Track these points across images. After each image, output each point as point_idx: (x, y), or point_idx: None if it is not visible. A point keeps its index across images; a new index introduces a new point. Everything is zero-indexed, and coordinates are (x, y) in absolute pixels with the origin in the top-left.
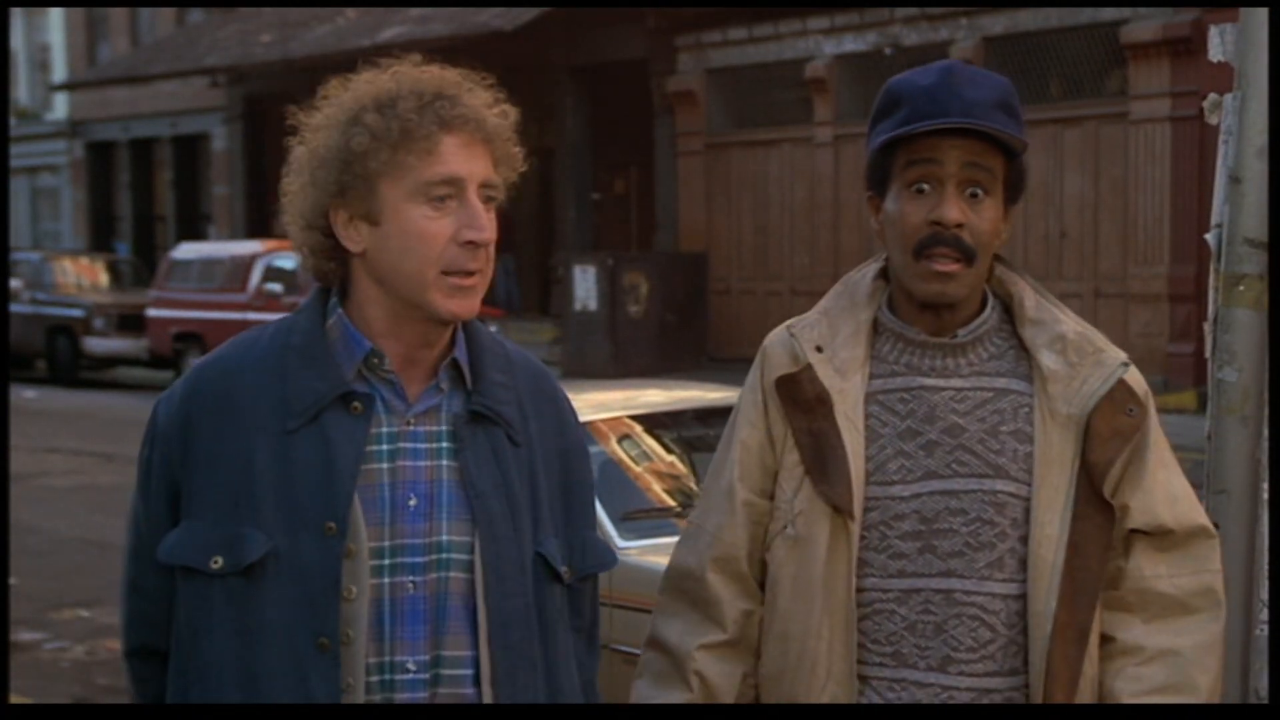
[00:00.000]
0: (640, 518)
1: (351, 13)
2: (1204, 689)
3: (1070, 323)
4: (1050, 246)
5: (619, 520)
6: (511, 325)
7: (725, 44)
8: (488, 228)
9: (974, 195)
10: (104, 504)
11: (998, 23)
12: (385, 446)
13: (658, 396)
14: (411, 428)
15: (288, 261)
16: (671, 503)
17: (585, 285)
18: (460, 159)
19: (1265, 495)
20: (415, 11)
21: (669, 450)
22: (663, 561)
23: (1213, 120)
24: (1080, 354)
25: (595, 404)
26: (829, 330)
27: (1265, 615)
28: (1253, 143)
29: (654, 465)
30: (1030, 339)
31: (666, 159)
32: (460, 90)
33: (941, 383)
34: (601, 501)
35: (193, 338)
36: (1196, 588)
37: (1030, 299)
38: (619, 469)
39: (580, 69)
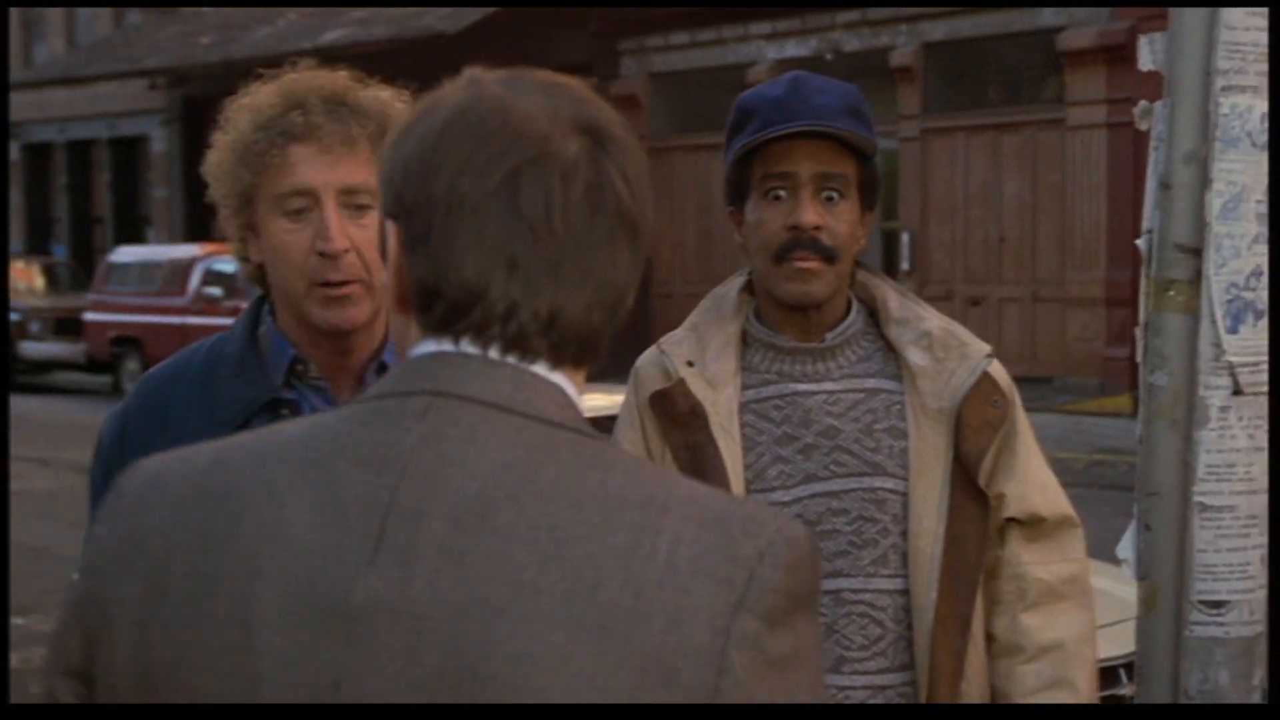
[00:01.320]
0: None
1: (292, 15)
2: (1082, 686)
3: (934, 320)
4: (990, 251)
5: None
6: None
7: (668, 48)
8: (337, 238)
9: (830, 199)
10: (40, 510)
11: (937, 29)
12: None
13: (600, 400)
14: None
15: (227, 265)
16: None
17: None
18: (309, 168)
19: (1196, 498)
20: (357, 14)
21: None
22: None
23: (1143, 127)
24: (946, 349)
25: None
26: (698, 344)
27: (1195, 617)
28: (1181, 149)
29: None
30: (896, 338)
31: None
32: (330, 94)
33: (814, 387)
34: None
35: (131, 342)
36: (1067, 575)
37: (894, 299)
38: None
39: None
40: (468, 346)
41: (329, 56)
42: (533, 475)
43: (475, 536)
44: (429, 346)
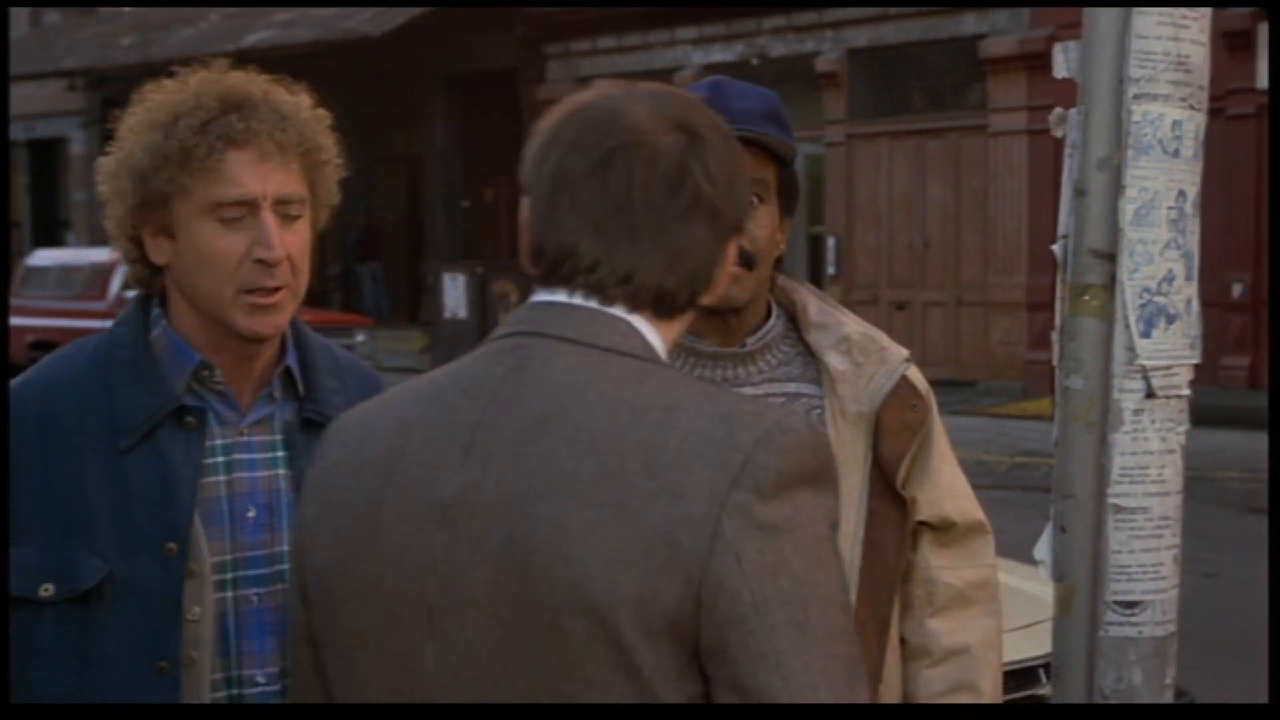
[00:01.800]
0: None
1: (215, 16)
2: (986, 690)
3: (853, 325)
4: (914, 256)
5: None
6: (381, 333)
7: (594, 53)
8: (278, 246)
9: (750, 204)
10: None
11: (862, 35)
12: (221, 459)
13: None
14: (245, 438)
15: None
16: None
17: (455, 293)
18: (249, 176)
19: (1111, 500)
20: (281, 16)
21: None
22: None
23: (1058, 134)
24: (865, 353)
25: None
26: None
27: (1110, 617)
28: (1095, 155)
29: None
30: (816, 343)
31: None
32: (264, 99)
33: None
34: None
35: (50, 346)
36: (976, 580)
37: (813, 304)
38: None
39: (450, 76)
40: (560, 295)
41: (252, 59)
42: (583, 391)
43: (534, 442)
44: (538, 296)
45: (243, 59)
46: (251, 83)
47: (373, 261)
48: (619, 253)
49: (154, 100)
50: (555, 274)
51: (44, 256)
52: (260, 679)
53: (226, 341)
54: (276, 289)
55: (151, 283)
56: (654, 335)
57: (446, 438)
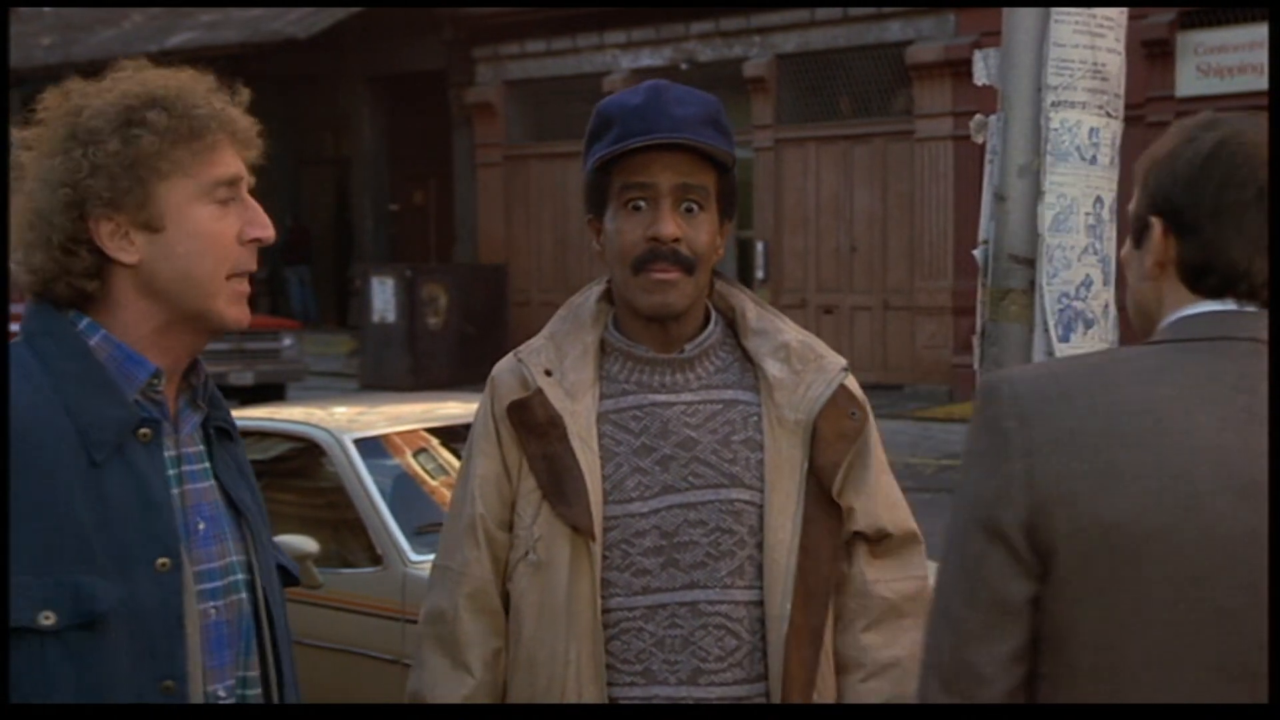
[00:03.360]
0: (434, 531)
1: (138, 16)
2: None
3: (792, 332)
4: (841, 260)
5: (413, 534)
6: (308, 337)
7: (523, 56)
8: (270, 224)
9: (689, 210)
10: None
11: (789, 40)
12: (172, 471)
13: (456, 409)
14: (185, 450)
15: None
16: None
17: (383, 297)
18: (233, 157)
19: None
20: (206, 17)
21: None
22: None
23: (979, 140)
24: (803, 361)
25: (392, 417)
26: (556, 354)
27: None
28: (1015, 162)
29: (450, 479)
30: (754, 349)
31: (465, 170)
32: (212, 91)
33: (672, 398)
34: (395, 515)
35: None
36: (909, 592)
37: (752, 311)
38: (414, 482)
39: (377, 79)
40: (1242, 305)
41: (176, 60)
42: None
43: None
44: (1212, 305)
45: (167, 60)
46: (187, 76)
47: (300, 265)
48: (1263, 261)
49: (109, 95)
50: (1230, 289)
51: None
52: (221, 692)
53: (180, 345)
54: (253, 275)
55: (72, 296)
56: None
57: (1238, 424)
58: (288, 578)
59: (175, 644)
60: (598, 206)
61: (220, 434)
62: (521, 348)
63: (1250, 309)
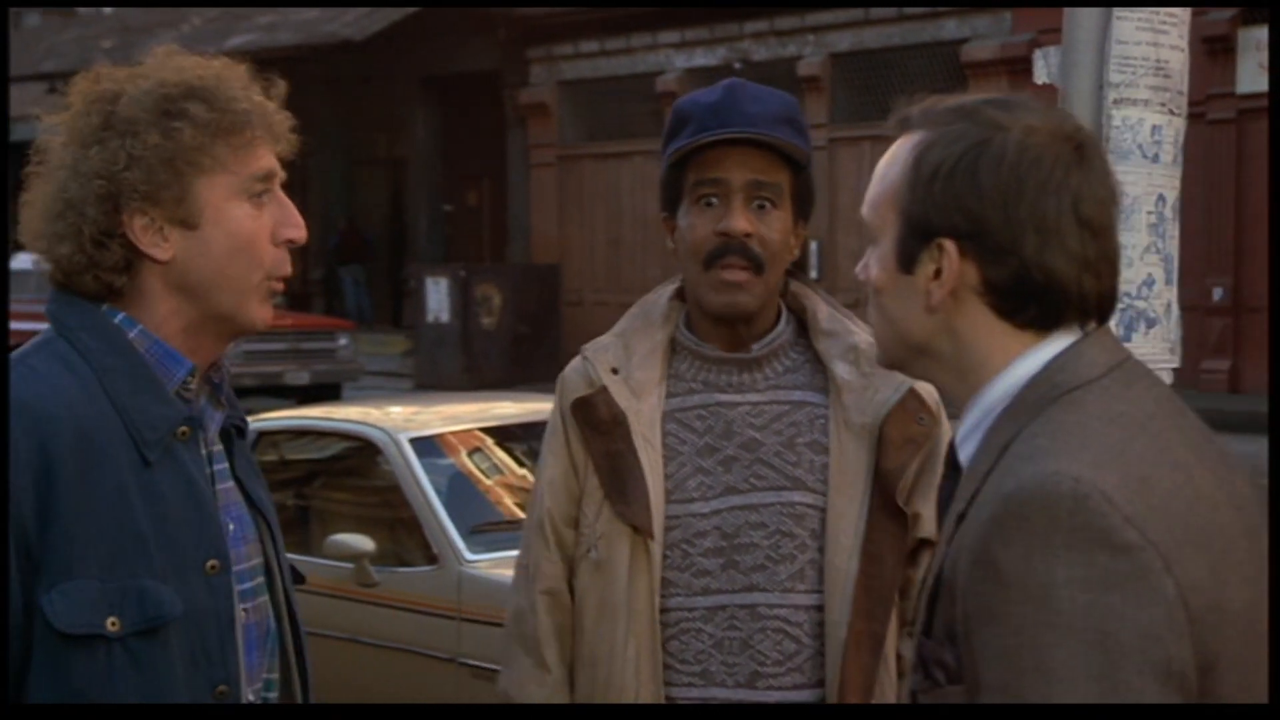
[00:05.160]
0: (489, 530)
1: (196, 19)
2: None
3: (863, 334)
4: None
5: (468, 533)
6: (363, 337)
7: (577, 56)
8: (304, 224)
9: (761, 207)
10: None
11: (844, 39)
12: (206, 471)
13: (510, 409)
14: (214, 449)
15: None
16: (522, 515)
17: (437, 297)
18: (268, 153)
19: None
20: (263, 19)
21: (520, 463)
22: (511, 574)
23: None
24: (872, 364)
25: (447, 416)
26: (624, 352)
27: None
28: None
29: (505, 478)
30: (824, 351)
31: (519, 170)
32: (242, 82)
33: (738, 398)
34: (450, 514)
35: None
36: None
37: (824, 312)
38: (468, 482)
39: (432, 80)
40: (1080, 331)
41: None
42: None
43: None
44: (1067, 339)
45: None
46: (221, 65)
47: (354, 265)
48: (1103, 279)
49: (146, 85)
50: (1056, 316)
51: (25, 260)
52: (250, 696)
53: (210, 345)
54: (285, 277)
55: (103, 291)
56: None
57: (1205, 450)
58: (296, 576)
59: (228, 648)
60: (672, 204)
61: (239, 432)
62: (588, 346)
63: (1090, 329)
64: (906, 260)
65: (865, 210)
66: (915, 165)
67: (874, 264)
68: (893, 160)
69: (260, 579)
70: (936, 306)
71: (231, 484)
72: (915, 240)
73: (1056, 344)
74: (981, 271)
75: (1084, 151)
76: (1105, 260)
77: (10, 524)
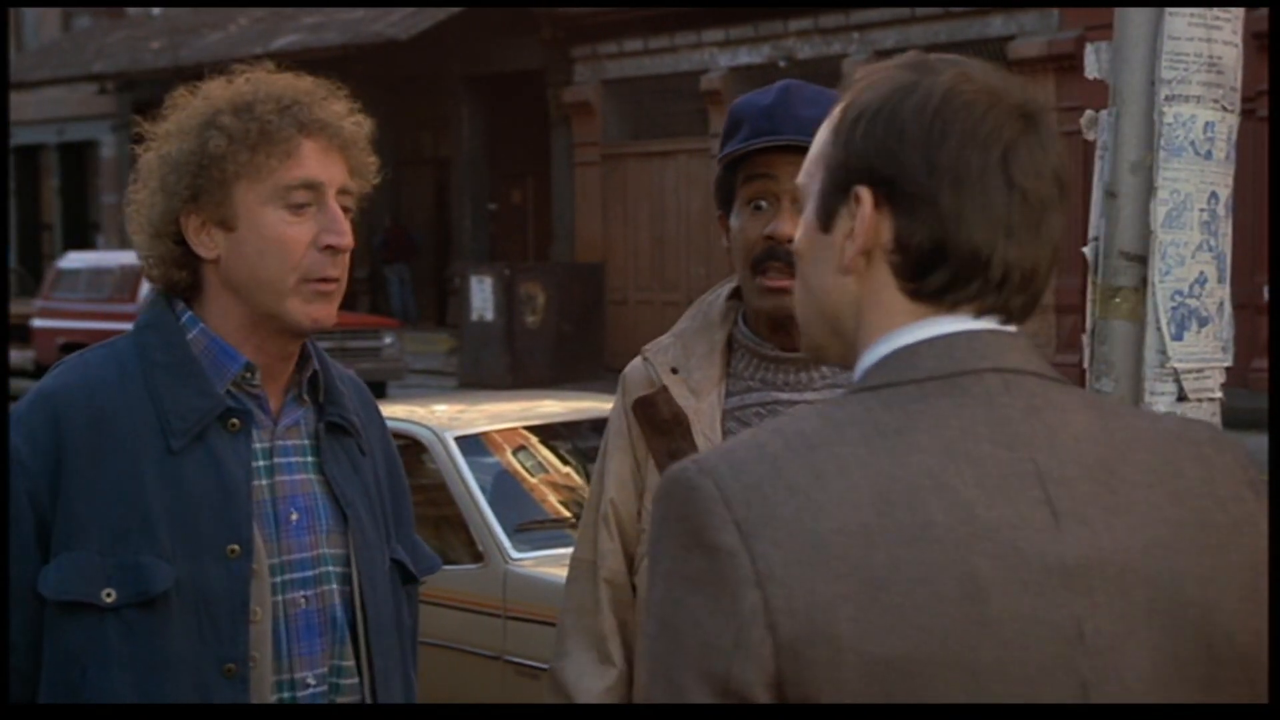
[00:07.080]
0: (534, 528)
1: (244, 19)
2: None
3: None
4: None
5: (513, 531)
6: (408, 336)
7: (621, 55)
8: (348, 232)
9: None
10: None
11: (889, 37)
12: (263, 462)
13: (554, 407)
14: (281, 442)
15: None
16: (566, 514)
17: (482, 296)
18: (318, 163)
19: None
20: (309, 19)
21: (565, 461)
22: (556, 573)
23: (1090, 136)
24: None
25: (491, 415)
26: (683, 352)
27: None
28: (1127, 158)
29: (549, 476)
30: None
31: (563, 169)
32: (315, 98)
33: (796, 396)
34: (496, 512)
35: (80, 348)
36: None
37: None
38: (513, 480)
39: (476, 79)
40: (974, 322)
41: (281, 62)
42: (1108, 431)
43: (1117, 491)
44: (946, 326)
45: (272, 62)
46: (303, 82)
47: (399, 264)
48: (1026, 252)
49: (208, 96)
50: (960, 289)
51: (75, 259)
52: (311, 680)
53: (269, 342)
54: (334, 278)
55: (177, 283)
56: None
57: (1014, 493)
58: (405, 574)
59: (239, 628)
60: (726, 204)
61: (335, 429)
62: (648, 346)
63: (989, 325)
64: (826, 216)
65: (800, 176)
66: (841, 113)
67: (799, 229)
68: (828, 119)
69: (326, 569)
70: (849, 266)
71: (305, 476)
72: (835, 194)
73: (935, 328)
74: (895, 226)
75: (1032, 121)
76: (1033, 235)
77: (29, 500)
